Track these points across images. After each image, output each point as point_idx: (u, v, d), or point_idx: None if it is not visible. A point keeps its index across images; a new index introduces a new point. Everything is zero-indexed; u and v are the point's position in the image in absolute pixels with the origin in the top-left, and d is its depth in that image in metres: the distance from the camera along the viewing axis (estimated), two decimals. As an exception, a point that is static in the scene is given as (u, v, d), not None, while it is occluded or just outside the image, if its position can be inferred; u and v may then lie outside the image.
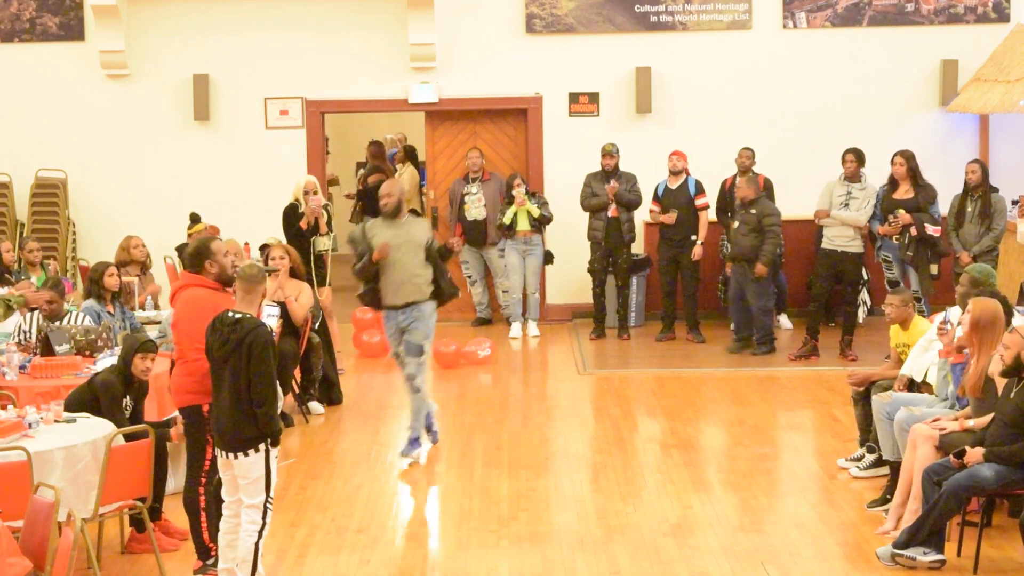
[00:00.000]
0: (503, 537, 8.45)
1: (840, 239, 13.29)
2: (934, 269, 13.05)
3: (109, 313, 10.91)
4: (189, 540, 8.28)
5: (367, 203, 17.43)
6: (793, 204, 14.48)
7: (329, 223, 13.50)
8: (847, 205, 13.16)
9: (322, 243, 13.25)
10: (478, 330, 15.16)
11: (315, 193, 13.06)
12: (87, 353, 10.16)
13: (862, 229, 13.22)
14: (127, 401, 8.51)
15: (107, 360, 9.63)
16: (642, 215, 14.99)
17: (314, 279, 13.03)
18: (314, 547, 8.31)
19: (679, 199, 14.24)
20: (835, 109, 15.53)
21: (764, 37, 15.59)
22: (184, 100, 15.61)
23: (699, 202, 14.23)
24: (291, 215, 13.09)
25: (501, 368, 13.54)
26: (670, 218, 14.20)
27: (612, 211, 14.39)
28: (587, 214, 14.57)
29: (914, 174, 13.09)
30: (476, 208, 15.12)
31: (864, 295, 14.48)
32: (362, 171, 18.97)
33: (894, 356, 9.77)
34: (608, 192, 14.30)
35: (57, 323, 10.53)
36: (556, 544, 8.31)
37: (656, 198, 14.38)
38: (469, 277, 15.53)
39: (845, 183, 13.29)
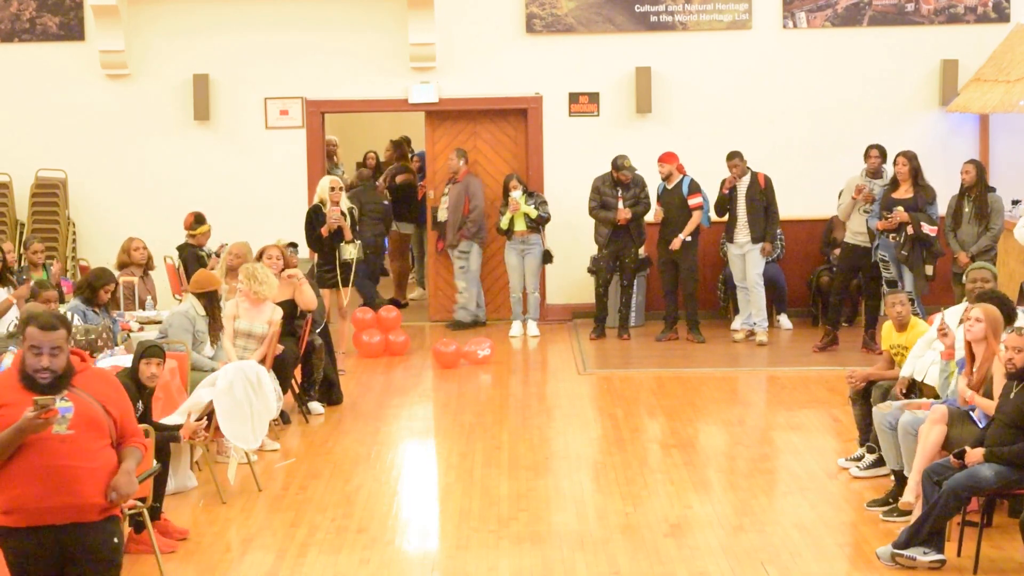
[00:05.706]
0: (503, 537, 8.44)
1: (863, 236, 13.33)
2: (929, 270, 13.05)
3: (95, 312, 10.83)
4: (188, 540, 8.31)
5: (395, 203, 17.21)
6: (793, 204, 14.47)
7: (355, 227, 13.52)
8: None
9: (348, 251, 13.34)
10: (478, 330, 15.15)
11: (340, 190, 13.16)
12: (87, 353, 10.11)
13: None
14: (139, 405, 8.48)
15: (107, 360, 9.63)
16: (647, 217, 14.97)
17: (339, 280, 13.17)
18: (314, 547, 8.30)
19: (673, 199, 14.23)
20: (835, 109, 15.52)
21: (764, 37, 15.58)
22: (184, 100, 15.61)
23: (691, 202, 14.19)
24: (314, 218, 13.17)
25: (501, 368, 13.53)
26: (656, 216, 14.23)
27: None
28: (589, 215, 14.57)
29: (915, 174, 13.10)
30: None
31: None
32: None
33: (887, 357, 9.76)
34: (620, 219, 14.22)
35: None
36: (556, 544, 8.31)
37: (657, 198, 14.40)
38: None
39: (868, 179, 13.36)
